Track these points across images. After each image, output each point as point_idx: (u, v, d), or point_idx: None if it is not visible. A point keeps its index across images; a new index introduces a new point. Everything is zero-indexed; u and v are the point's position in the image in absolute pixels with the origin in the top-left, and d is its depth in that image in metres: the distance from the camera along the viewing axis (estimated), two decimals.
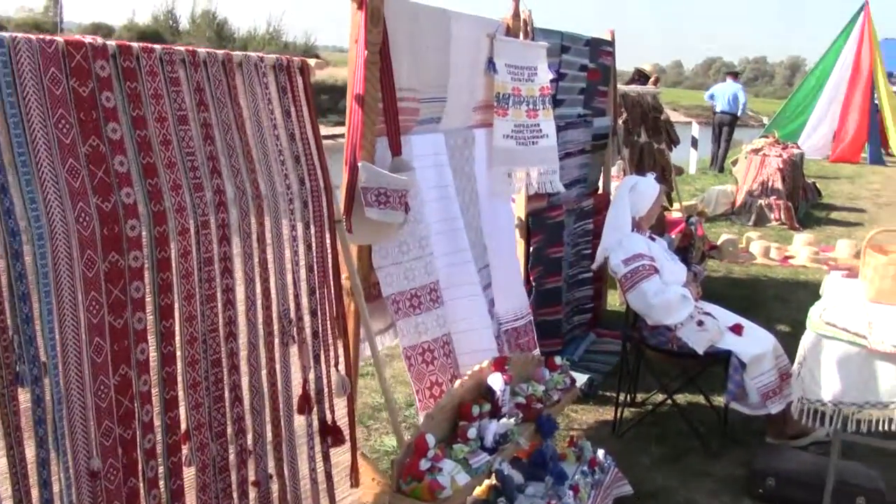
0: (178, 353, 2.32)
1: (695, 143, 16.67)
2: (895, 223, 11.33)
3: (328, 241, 2.99)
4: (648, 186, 4.40)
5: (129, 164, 2.15)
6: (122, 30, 41.77)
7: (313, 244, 2.92)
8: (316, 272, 2.93)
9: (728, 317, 4.40)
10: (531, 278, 4.87)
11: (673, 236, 6.43)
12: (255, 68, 2.73)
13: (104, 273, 2.07)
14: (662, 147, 7.54)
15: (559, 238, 5.27)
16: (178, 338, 2.32)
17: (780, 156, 11.48)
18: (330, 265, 2.99)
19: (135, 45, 2.23)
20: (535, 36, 4.70)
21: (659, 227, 6.91)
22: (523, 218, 4.81)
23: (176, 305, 2.29)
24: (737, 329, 4.27)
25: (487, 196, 4.28)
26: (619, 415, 4.52)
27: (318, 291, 2.93)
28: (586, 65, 5.57)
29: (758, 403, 4.11)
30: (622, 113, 6.33)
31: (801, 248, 9.15)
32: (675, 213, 8.50)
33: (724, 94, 16.13)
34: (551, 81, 4.90)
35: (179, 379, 2.33)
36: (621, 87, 6.47)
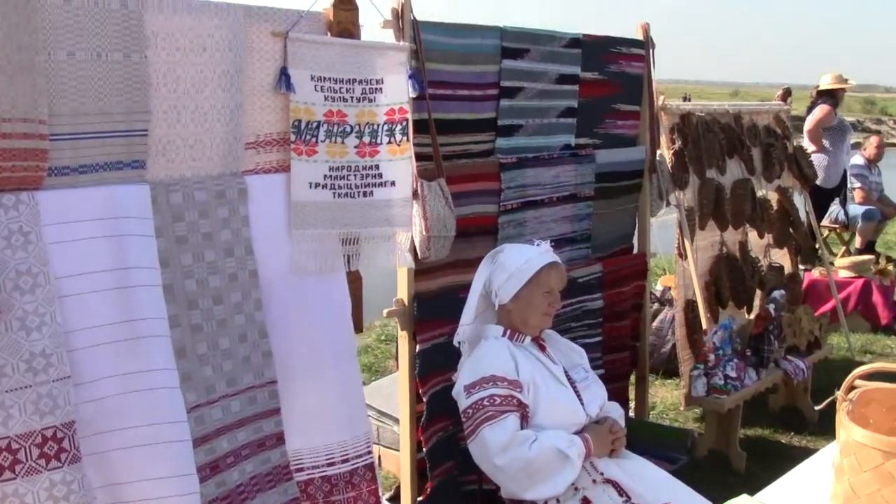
0: None
1: None
2: None
3: None
4: (517, 258, 2.74)
5: None
6: None
7: None
8: None
9: (654, 483, 2.57)
10: (420, 390, 3.29)
11: (751, 317, 4.46)
12: None
13: None
14: (787, 187, 5.47)
15: None
16: None
17: None
18: None
19: None
20: (427, 34, 3.20)
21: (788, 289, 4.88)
22: (406, 301, 3.26)
23: None
24: None
25: (285, 275, 2.84)
26: None
27: None
28: (576, 75, 3.88)
29: None
30: (674, 140, 4.48)
31: None
32: (841, 273, 6.32)
33: None
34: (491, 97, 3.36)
35: None
36: (677, 105, 4.61)
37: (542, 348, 2.78)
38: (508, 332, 2.74)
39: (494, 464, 2.49)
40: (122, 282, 2.41)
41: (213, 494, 2.65)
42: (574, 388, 2.71)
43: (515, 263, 2.74)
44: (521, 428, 2.54)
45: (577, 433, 2.60)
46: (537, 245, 2.84)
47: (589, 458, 2.55)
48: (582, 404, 2.68)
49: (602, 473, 2.56)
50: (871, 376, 1.91)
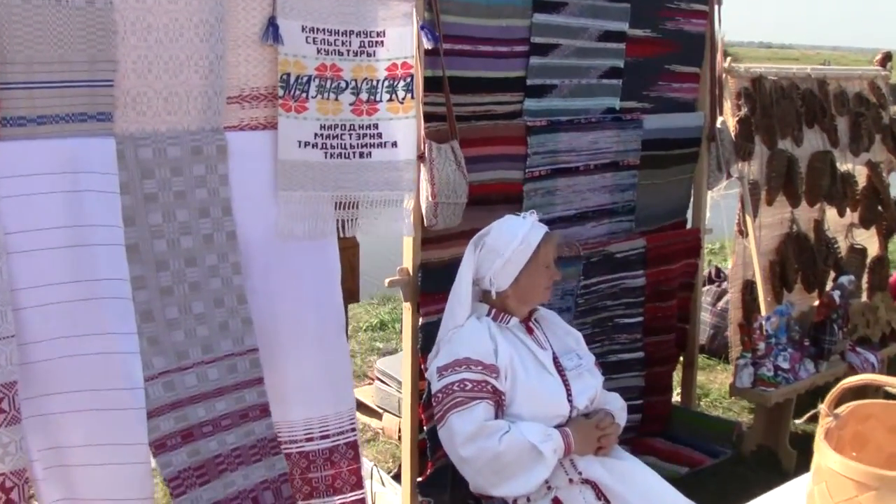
0: None
1: None
2: None
3: None
4: (509, 238, 2.48)
5: None
6: None
7: None
8: None
9: (642, 489, 2.31)
10: (422, 365, 3.10)
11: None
12: None
13: None
14: (878, 161, 4.97)
15: None
16: None
17: None
18: None
19: None
20: None
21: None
22: (411, 270, 3.06)
23: None
24: None
25: (269, 239, 2.68)
26: None
27: None
28: (622, 32, 3.56)
29: None
30: (739, 107, 4.09)
31: None
32: None
33: None
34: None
35: None
36: (746, 68, 4.20)
37: (530, 330, 2.53)
38: (493, 311, 2.51)
39: (460, 455, 2.28)
40: (79, 240, 2.31)
41: (184, 464, 2.53)
42: (563, 376, 2.46)
43: (510, 245, 2.48)
44: (496, 417, 2.32)
45: (560, 426, 2.36)
46: (524, 217, 2.58)
47: (569, 456, 2.31)
48: (569, 395, 2.43)
49: (580, 473, 2.32)
50: None
